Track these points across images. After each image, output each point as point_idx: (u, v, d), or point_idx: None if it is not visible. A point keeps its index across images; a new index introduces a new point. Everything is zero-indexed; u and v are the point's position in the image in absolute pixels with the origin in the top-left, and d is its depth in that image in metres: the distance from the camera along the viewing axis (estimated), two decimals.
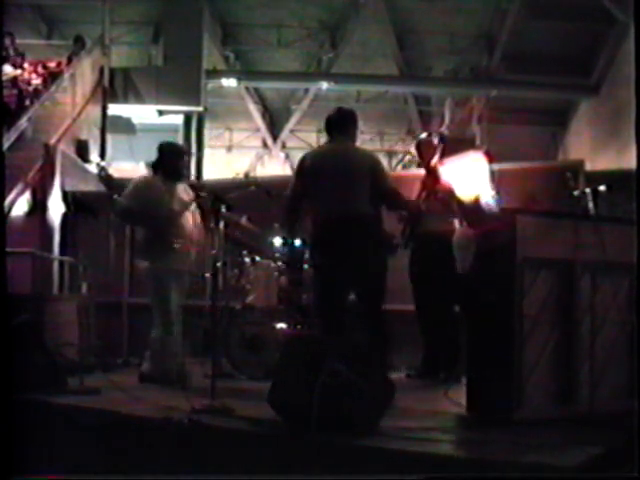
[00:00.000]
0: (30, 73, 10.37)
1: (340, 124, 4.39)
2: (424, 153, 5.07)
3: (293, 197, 4.34)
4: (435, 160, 4.89)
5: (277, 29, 14.37)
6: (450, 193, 4.73)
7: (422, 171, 5.22)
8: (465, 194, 4.64)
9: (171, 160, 4.75)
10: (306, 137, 16.07)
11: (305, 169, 4.32)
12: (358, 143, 4.60)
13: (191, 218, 4.76)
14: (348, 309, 4.38)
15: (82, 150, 10.12)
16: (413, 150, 5.34)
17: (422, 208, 4.81)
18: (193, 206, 4.77)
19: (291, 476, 2.90)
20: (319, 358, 3.11)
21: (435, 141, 5.06)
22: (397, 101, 15.53)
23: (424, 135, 5.36)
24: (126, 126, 12.66)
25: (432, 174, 4.89)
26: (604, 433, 3.10)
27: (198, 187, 4.90)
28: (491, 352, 3.39)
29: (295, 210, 4.40)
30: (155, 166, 4.78)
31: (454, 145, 5.20)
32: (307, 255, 5.13)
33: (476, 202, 4.48)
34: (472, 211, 4.48)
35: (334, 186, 4.17)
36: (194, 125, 12.97)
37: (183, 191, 4.78)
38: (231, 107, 15.39)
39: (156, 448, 3.31)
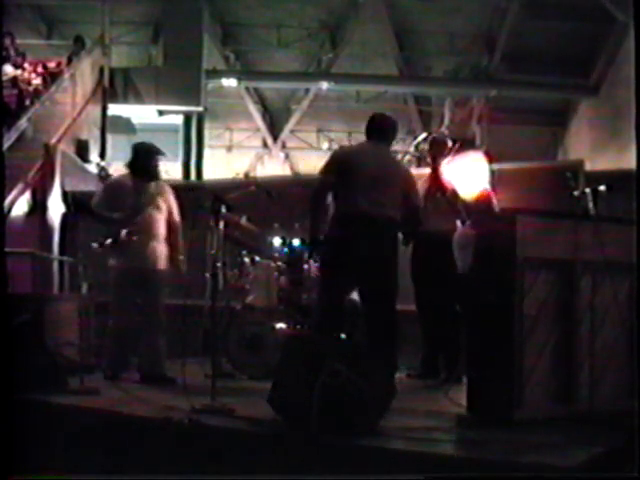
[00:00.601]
0: (30, 73, 10.36)
1: (384, 131, 4.40)
2: (437, 152, 5.02)
3: (321, 192, 4.24)
4: (446, 161, 4.89)
5: (277, 29, 14.37)
6: (453, 193, 4.73)
7: (422, 170, 5.22)
8: (466, 194, 4.64)
9: (143, 160, 4.89)
10: (306, 137, 16.06)
11: (339, 163, 4.27)
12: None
13: (157, 214, 4.84)
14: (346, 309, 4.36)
15: (82, 150, 10.13)
16: (423, 146, 5.26)
17: (428, 208, 4.81)
18: (162, 202, 4.87)
19: (291, 476, 2.90)
20: (319, 358, 3.11)
21: (450, 142, 5.06)
22: (397, 101, 15.49)
23: (439, 134, 5.35)
24: (126, 126, 12.65)
25: (439, 174, 4.88)
26: (604, 433, 3.10)
27: (185, 187, 5.01)
28: (491, 352, 3.39)
29: (322, 207, 4.31)
30: (129, 166, 4.96)
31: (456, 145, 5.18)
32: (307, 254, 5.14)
33: (479, 202, 4.48)
34: (473, 211, 4.48)
35: (370, 185, 4.14)
36: (194, 125, 12.97)
37: (156, 189, 4.88)
38: (231, 107, 15.37)
39: (156, 448, 3.31)
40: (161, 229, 4.87)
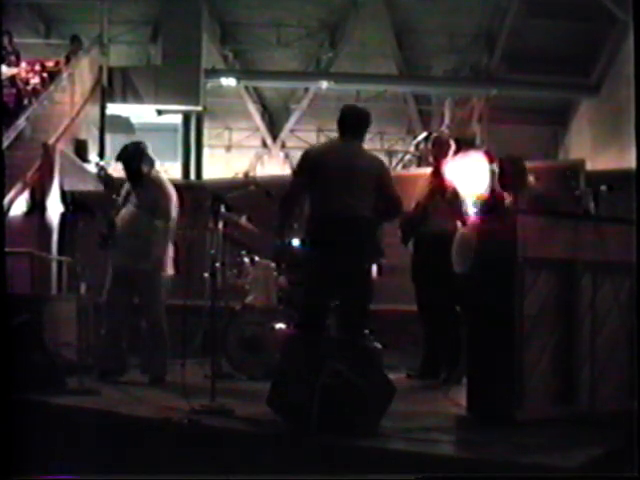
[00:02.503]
0: (28, 72, 10.34)
1: (356, 124, 4.27)
2: (439, 151, 5.00)
3: (292, 196, 4.22)
4: (448, 161, 4.88)
5: (276, 28, 14.36)
6: (454, 193, 4.72)
7: (423, 170, 5.21)
8: (467, 194, 4.63)
9: (126, 160, 4.88)
10: (306, 137, 16.05)
11: (309, 165, 4.20)
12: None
13: (138, 211, 4.78)
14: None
15: (81, 150, 10.11)
16: (423, 146, 5.24)
17: (429, 208, 4.79)
18: (146, 199, 4.79)
19: (291, 476, 2.90)
20: (319, 358, 3.10)
21: (451, 142, 5.03)
22: (397, 100, 15.50)
23: (438, 134, 5.31)
24: (125, 125, 12.64)
25: (441, 173, 4.87)
26: (604, 433, 3.10)
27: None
28: (492, 352, 3.39)
29: (292, 211, 4.28)
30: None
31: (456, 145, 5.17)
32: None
33: (477, 202, 4.47)
34: (473, 211, 4.47)
35: (338, 185, 4.08)
36: (193, 124, 12.96)
37: (133, 186, 4.85)
38: (230, 106, 15.37)
39: (156, 448, 3.30)
40: (144, 226, 4.75)
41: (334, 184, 4.08)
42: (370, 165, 4.20)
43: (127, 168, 4.86)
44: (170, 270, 4.89)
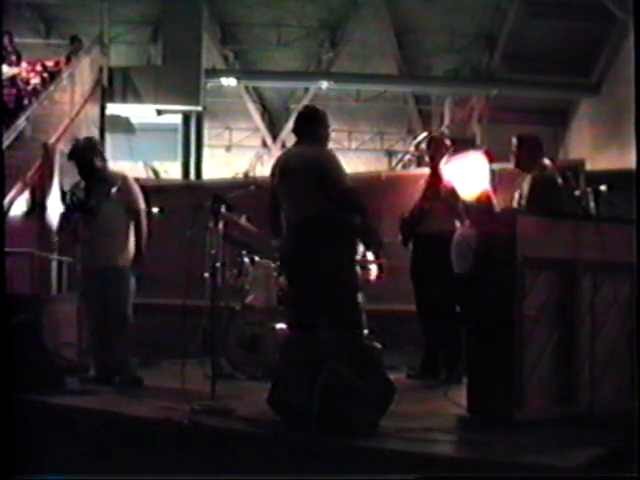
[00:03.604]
0: (29, 72, 10.35)
1: (298, 124, 4.26)
2: (435, 152, 4.99)
3: (270, 202, 4.25)
4: (444, 161, 4.88)
5: (276, 28, 14.36)
6: (453, 193, 4.72)
7: (423, 170, 5.21)
8: (466, 194, 4.63)
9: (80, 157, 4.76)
10: None
11: (272, 174, 4.27)
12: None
13: (107, 208, 4.61)
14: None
15: None
16: (422, 146, 5.23)
17: (426, 208, 4.79)
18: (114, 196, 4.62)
19: (291, 476, 2.90)
20: (319, 358, 3.10)
21: (448, 142, 5.03)
22: (397, 100, 15.51)
23: (437, 133, 5.31)
24: (125, 126, 12.64)
25: (438, 174, 4.87)
26: (605, 434, 3.10)
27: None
28: (492, 352, 3.38)
29: (274, 219, 4.28)
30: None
31: (456, 145, 5.17)
32: None
33: (480, 202, 4.47)
34: (473, 211, 4.47)
35: (287, 191, 4.12)
36: (193, 124, 12.96)
37: (100, 184, 4.67)
38: (230, 106, 15.37)
39: (156, 448, 3.30)
40: (113, 223, 4.61)
41: (284, 190, 4.14)
42: (310, 163, 4.08)
43: (79, 164, 4.73)
44: (136, 267, 4.67)
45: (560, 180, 4.35)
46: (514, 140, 4.63)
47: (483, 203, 4.48)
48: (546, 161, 4.55)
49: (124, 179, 4.72)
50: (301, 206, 4.05)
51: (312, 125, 4.20)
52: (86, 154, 4.73)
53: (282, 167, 4.20)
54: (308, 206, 4.02)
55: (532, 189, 4.39)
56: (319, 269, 3.96)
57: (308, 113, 4.33)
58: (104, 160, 4.79)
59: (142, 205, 4.72)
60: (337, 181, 4.04)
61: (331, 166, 4.10)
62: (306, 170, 4.05)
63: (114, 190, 4.60)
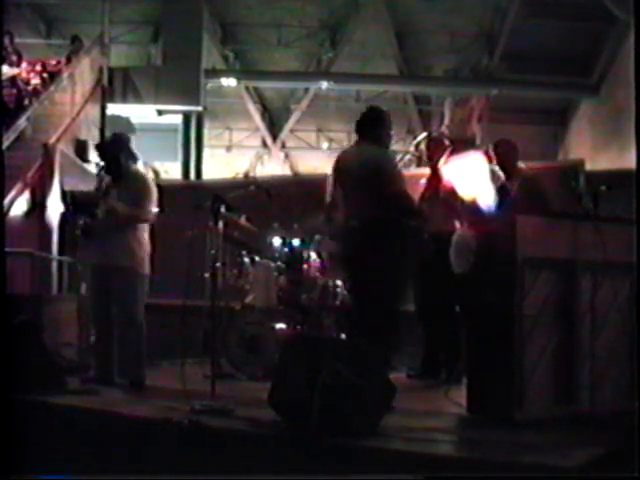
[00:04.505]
0: (29, 72, 10.35)
1: (361, 124, 4.31)
2: (434, 152, 5.01)
3: (330, 201, 4.44)
4: (443, 161, 4.89)
5: (277, 28, 14.36)
6: (452, 193, 4.72)
7: (423, 170, 5.20)
8: (466, 194, 4.63)
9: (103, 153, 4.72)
10: (306, 137, 16.06)
11: (333, 169, 4.36)
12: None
13: (118, 207, 4.54)
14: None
15: (81, 150, 10.12)
16: (422, 147, 5.24)
17: (425, 208, 4.79)
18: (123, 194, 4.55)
19: (291, 476, 2.90)
20: (319, 358, 3.10)
21: (446, 142, 5.04)
22: (397, 101, 15.50)
23: (436, 134, 5.33)
24: (125, 126, 12.62)
25: (437, 174, 4.88)
26: (605, 433, 3.10)
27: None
28: (492, 352, 3.38)
29: (332, 211, 4.42)
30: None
31: (456, 145, 5.17)
32: (305, 255, 5.16)
33: (477, 203, 4.47)
34: (473, 211, 4.47)
35: (345, 191, 4.18)
36: (193, 125, 12.97)
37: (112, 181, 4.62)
38: (230, 107, 15.37)
39: (156, 448, 3.30)
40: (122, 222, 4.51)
41: (343, 190, 4.21)
42: (367, 164, 4.14)
43: (103, 157, 4.65)
44: (147, 269, 4.58)
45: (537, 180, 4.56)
46: (490, 146, 4.73)
47: (478, 205, 4.48)
48: (521, 164, 4.69)
49: (144, 181, 4.64)
50: (358, 207, 4.09)
51: (375, 126, 4.27)
52: (112, 150, 4.64)
53: (341, 165, 4.27)
54: (365, 207, 4.06)
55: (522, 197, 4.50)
56: (365, 272, 4.04)
57: (372, 113, 4.36)
58: (132, 158, 4.69)
59: (154, 208, 4.59)
60: (393, 183, 4.09)
61: (388, 168, 4.18)
62: (364, 170, 4.11)
63: (132, 190, 4.51)
